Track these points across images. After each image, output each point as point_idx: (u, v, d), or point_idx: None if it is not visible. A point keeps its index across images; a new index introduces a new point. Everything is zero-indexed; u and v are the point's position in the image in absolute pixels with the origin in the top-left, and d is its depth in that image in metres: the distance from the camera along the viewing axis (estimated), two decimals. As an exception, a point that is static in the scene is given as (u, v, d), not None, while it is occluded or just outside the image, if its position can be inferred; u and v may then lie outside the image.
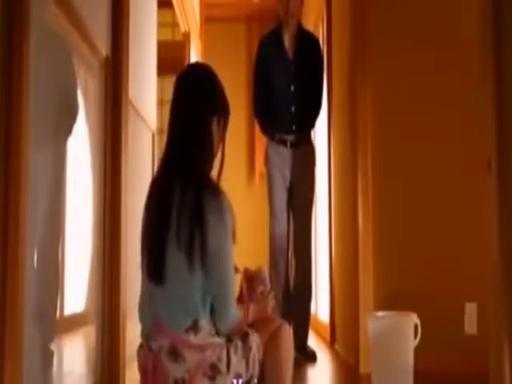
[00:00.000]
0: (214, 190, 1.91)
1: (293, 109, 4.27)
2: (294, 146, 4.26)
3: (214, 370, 1.88)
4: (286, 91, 4.29)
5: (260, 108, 4.39)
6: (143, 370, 1.93)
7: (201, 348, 1.87)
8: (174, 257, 1.88)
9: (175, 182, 1.92)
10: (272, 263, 4.26)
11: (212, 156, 2.01)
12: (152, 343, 1.89)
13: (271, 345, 2.00)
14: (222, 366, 1.89)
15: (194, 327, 1.87)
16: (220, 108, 2.03)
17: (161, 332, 1.88)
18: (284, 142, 4.26)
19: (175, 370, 1.86)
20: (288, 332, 2.05)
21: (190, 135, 1.97)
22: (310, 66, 4.33)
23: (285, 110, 4.28)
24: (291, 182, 4.26)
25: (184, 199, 1.89)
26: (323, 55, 4.56)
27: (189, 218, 1.87)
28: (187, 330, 1.86)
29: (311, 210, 4.31)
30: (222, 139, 2.05)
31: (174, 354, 1.86)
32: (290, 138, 4.26)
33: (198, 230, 1.86)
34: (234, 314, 1.93)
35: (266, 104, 4.34)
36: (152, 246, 1.93)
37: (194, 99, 1.99)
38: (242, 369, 1.93)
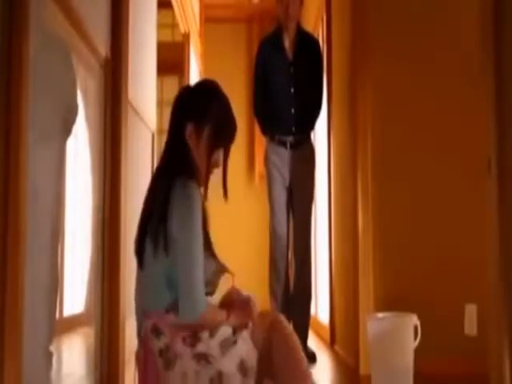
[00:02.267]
0: (182, 182, 1.98)
1: (292, 110, 4.27)
2: (293, 147, 4.26)
3: (194, 338, 1.91)
4: (286, 92, 4.29)
5: (260, 109, 4.39)
6: (137, 361, 1.99)
7: (181, 326, 1.92)
8: (148, 244, 1.98)
9: (155, 182, 2.08)
10: (272, 263, 4.27)
11: (188, 163, 2.05)
12: (142, 332, 1.97)
13: (275, 339, 1.99)
14: (204, 334, 1.91)
15: (176, 306, 1.92)
16: (198, 116, 2.06)
17: (146, 316, 1.96)
18: (284, 143, 4.26)
19: (158, 343, 1.92)
20: (284, 320, 2.05)
21: (167, 142, 2.11)
22: (309, 67, 4.33)
23: (285, 111, 4.28)
24: (291, 183, 4.26)
25: (157, 193, 2.01)
26: (323, 56, 4.56)
27: (157, 210, 1.97)
28: (168, 310, 1.92)
29: (311, 211, 4.31)
30: (208, 150, 2.07)
31: (156, 331, 1.92)
32: (289, 139, 4.26)
33: (163, 219, 1.95)
34: (200, 304, 1.93)
35: (266, 105, 4.34)
36: (136, 236, 2.06)
37: (174, 108, 2.12)
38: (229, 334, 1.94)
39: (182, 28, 6.10)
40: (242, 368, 1.92)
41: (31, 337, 1.80)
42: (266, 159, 4.33)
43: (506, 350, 2.21)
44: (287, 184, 4.26)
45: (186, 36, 6.18)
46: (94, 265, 2.71)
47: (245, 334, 1.96)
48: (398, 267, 3.60)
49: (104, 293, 2.76)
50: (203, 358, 1.90)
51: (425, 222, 3.62)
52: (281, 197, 4.25)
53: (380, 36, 3.72)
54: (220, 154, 2.10)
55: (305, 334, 4.22)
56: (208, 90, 2.12)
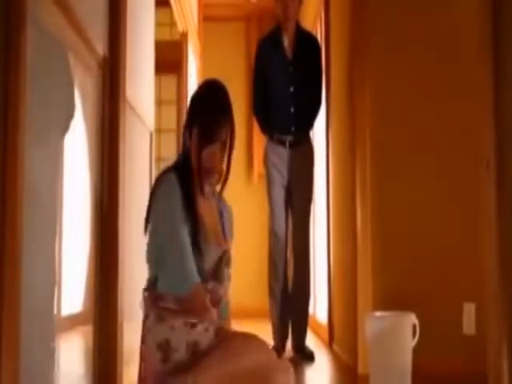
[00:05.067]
0: (161, 180, 2.11)
1: (292, 109, 4.27)
2: (292, 146, 4.26)
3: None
4: (285, 91, 4.29)
5: (259, 108, 4.39)
6: None
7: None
8: None
9: None
10: (271, 262, 4.27)
11: (182, 164, 2.14)
12: None
13: None
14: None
15: (151, 284, 2.03)
16: (189, 120, 2.17)
17: None
18: (283, 142, 4.26)
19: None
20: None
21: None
22: (308, 66, 4.33)
23: (284, 110, 4.28)
24: (290, 182, 4.26)
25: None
26: (322, 55, 4.56)
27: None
28: (147, 286, 2.06)
29: (310, 210, 4.32)
30: (196, 150, 2.13)
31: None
32: (288, 138, 4.26)
33: (149, 206, 2.14)
34: (192, 274, 2.01)
35: (265, 104, 4.34)
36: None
37: None
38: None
39: (181, 27, 6.09)
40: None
41: (30, 333, 1.80)
42: (265, 158, 4.33)
43: (504, 348, 2.21)
44: (286, 183, 4.26)
45: (185, 35, 6.17)
46: (91, 263, 2.71)
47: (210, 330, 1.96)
48: (396, 266, 3.60)
49: (102, 291, 2.75)
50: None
51: (423, 221, 3.62)
52: (280, 196, 4.25)
53: (379, 34, 3.71)
54: (211, 153, 2.12)
55: (303, 334, 4.22)
56: (195, 94, 2.21)
